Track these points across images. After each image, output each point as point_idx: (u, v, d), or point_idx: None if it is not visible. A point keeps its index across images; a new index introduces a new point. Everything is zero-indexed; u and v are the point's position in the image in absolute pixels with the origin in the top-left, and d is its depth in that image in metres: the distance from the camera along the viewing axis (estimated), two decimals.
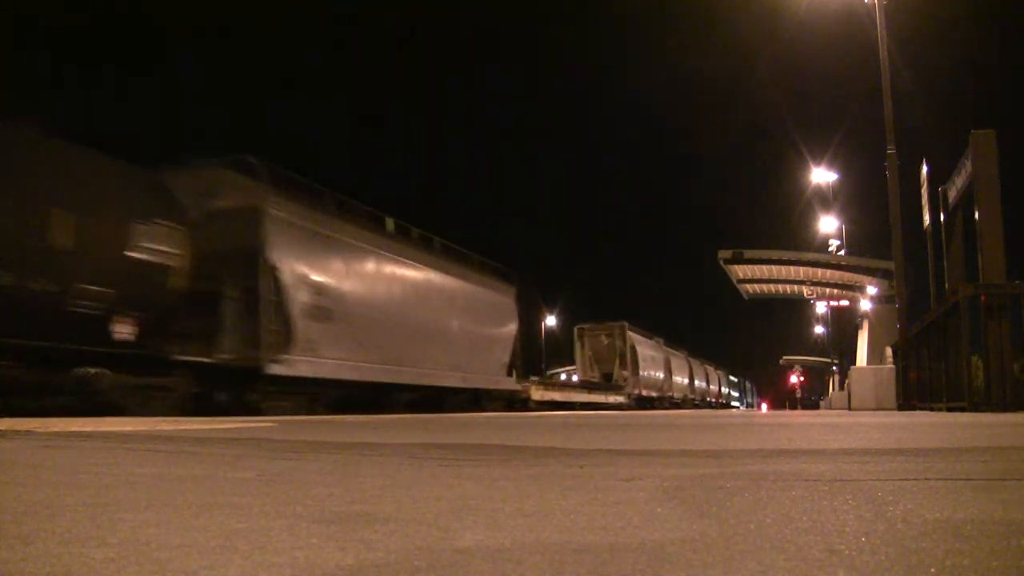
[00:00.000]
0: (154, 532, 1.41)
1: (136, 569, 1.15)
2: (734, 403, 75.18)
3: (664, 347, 42.81)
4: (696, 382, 51.21)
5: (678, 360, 46.49)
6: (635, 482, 2.18)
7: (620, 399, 33.50)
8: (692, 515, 1.59)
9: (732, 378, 77.72)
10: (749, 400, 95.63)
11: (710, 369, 59.86)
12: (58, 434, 4.43)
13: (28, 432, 4.53)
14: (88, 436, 4.31)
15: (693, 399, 49.46)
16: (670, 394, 42.51)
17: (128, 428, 5.32)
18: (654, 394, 39.14)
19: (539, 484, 2.16)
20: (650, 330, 50.78)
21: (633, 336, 36.43)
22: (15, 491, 2.01)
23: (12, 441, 3.82)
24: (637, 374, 35.78)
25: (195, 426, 5.94)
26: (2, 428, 4.93)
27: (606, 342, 35.66)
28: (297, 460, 3.07)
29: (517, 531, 1.42)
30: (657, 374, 40.17)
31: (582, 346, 35.92)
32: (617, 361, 35.27)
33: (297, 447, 3.73)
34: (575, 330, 36.49)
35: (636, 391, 35.50)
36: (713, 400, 58.41)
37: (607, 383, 34.55)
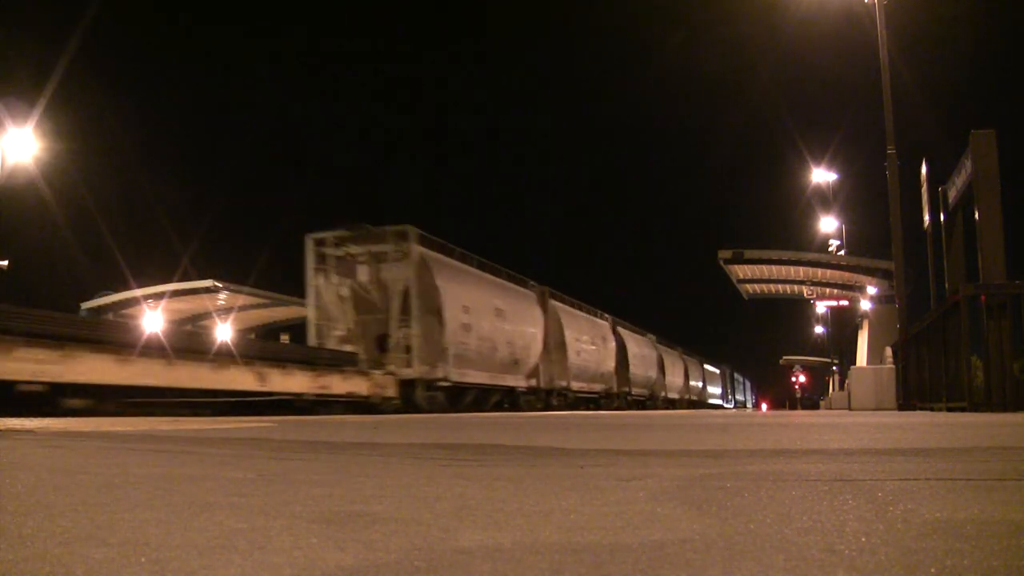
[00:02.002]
0: (154, 532, 1.41)
1: (136, 569, 1.15)
2: (714, 400, 57.96)
3: (549, 301, 24.77)
4: (635, 369, 33.49)
5: (588, 329, 28.16)
6: (635, 482, 2.18)
7: (360, 389, 15.36)
8: (692, 515, 1.59)
9: (711, 368, 58.53)
10: (741, 398, 78.13)
11: (672, 353, 42.76)
12: (58, 434, 4.43)
13: (28, 432, 4.53)
14: (88, 436, 4.31)
15: (629, 393, 32.71)
16: (564, 384, 24.97)
17: (128, 428, 5.32)
18: (516, 384, 21.50)
19: (539, 484, 2.16)
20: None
21: (431, 257, 17.78)
22: (15, 491, 2.01)
23: (12, 441, 3.82)
24: (441, 339, 17.37)
25: (195, 426, 5.94)
26: (2, 428, 4.94)
27: (372, 271, 17.35)
28: (297, 460, 3.07)
29: (517, 531, 1.42)
30: (521, 347, 21.61)
31: (327, 278, 17.59)
32: (396, 310, 16.95)
33: (297, 447, 3.73)
34: (307, 243, 17.70)
35: (439, 373, 17.23)
36: (678, 397, 42.76)
37: (324, 351, 16.20)
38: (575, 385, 26.06)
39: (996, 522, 1.49)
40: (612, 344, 30.89)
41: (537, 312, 23.81)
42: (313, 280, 17.82)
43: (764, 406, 69.00)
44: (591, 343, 28.27)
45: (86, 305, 30.47)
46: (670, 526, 1.47)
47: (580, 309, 28.57)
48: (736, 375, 75.25)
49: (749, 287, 37.00)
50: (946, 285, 16.73)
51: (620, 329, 32.94)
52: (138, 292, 29.91)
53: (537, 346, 23.31)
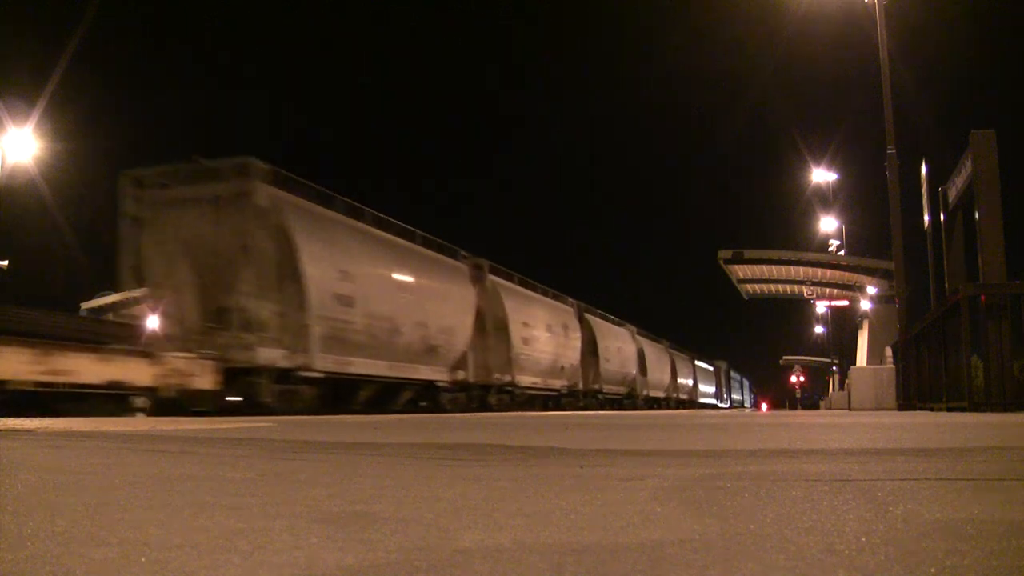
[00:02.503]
0: (154, 532, 1.41)
1: (136, 569, 1.15)
2: (707, 400, 53.39)
3: (488, 276, 20.15)
4: (608, 364, 28.90)
5: (543, 315, 23.33)
6: (635, 482, 2.18)
7: (135, 376, 10.97)
8: (692, 515, 1.59)
9: (703, 365, 53.55)
10: (738, 397, 74.34)
11: (656, 346, 38.14)
12: (58, 434, 4.43)
13: (28, 432, 4.52)
14: (88, 436, 4.31)
15: (600, 391, 28.15)
16: (508, 378, 20.45)
17: (128, 428, 5.32)
18: (436, 377, 17.24)
19: (539, 484, 2.16)
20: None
21: (286, 202, 13.49)
22: (15, 491, 2.01)
23: (12, 441, 3.82)
24: (302, 314, 13.09)
25: (195, 426, 5.94)
26: (2, 428, 4.93)
27: (209, 220, 12.94)
28: (297, 460, 3.07)
29: (517, 531, 1.42)
30: (440, 330, 17.21)
31: (149, 230, 13.21)
32: (237, 274, 12.57)
33: (297, 447, 3.73)
34: (120, 183, 13.39)
35: (300, 360, 13.02)
36: (663, 395, 38.21)
37: (51, 317, 12.04)
38: (523, 379, 21.45)
39: (996, 522, 1.49)
40: (577, 334, 26.01)
41: (467, 289, 19.10)
42: (130, 233, 13.13)
43: (764, 406, 68.92)
44: (547, 331, 23.26)
45: (86, 305, 30.43)
46: (670, 526, 1.47)
47: (534, 290, 23.85)
48: (733, 373, 71.14)
49: (749, 287, 37.02)
50: (946, 285, 16.73)
51: (589, 316, 27.95)
52: (139, 291, 29.59)
53: (465, 330, 18.51)
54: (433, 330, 17.06)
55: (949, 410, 12.75)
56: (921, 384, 16.44)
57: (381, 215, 16.62)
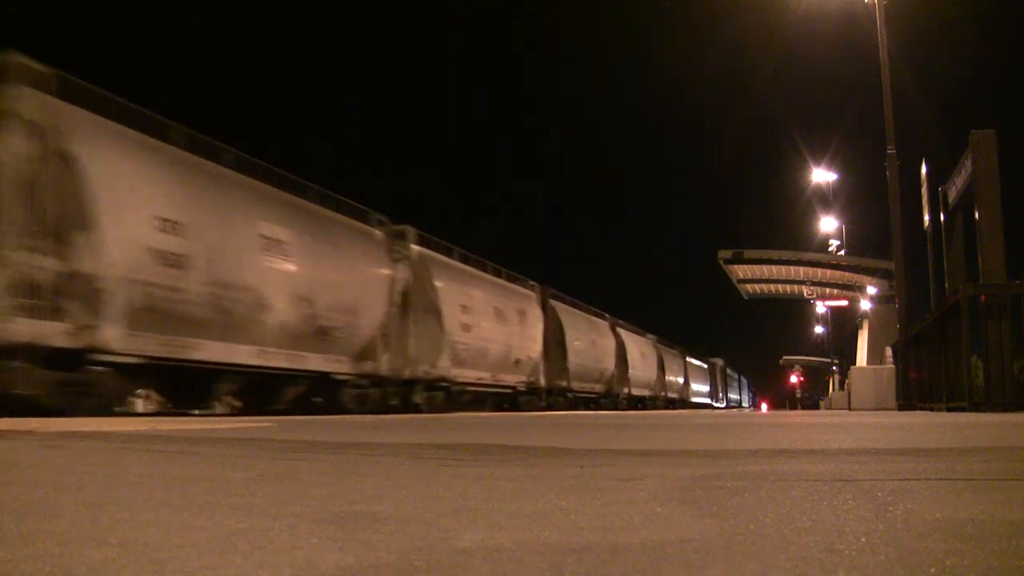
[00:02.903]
0: (154, 532, 1.41)
1: (136, 569, 1.14)
2: (700, 399, 50.59)
3: (412, 247, 16.64)
4: (579, 357, 25.32)
5: (490, 297, 19.70)
6: (635, 482, 2.18)
7: None
8: (692, 515, 1.59)
9: (696, 362, 50.67)
10: (736, 396, 72.81)
11: (641, 341, 35.27)
12: (58, 434, 4.43)
13: (28, 432, 4.52)
14: (88, 436, 4.31)
15: (569, 389, 24.54)
16: (441, 373, 16.96)
17: (128, 428, 5.32)
18: (333, 369, 13.91)
19: (539, 484, 2.16)
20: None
21: (54, 109, 9.09)
22: (15, 491, 2.01)
23: (12, 441, 3.82)
24: (97, 273, 9.22)
25: (195, 426, 5.95)
26: (2, 428, 4.93)
27: None
28: (297, 460, 3.07)
29: (517, 531, 1.42)
30: (332, 307, 13.65)
31: None
32: (2, 214, 8.53)
33: (297, 447, 3.73)
34: None
35: (86, 339, 9.02)
36: (649, 394, 35.19)
37: None
38: (462, 374, 17.81)
39: (996, 522, 1.49)
40: (540, 323, 22.41)
41: (381, 259, 15.57)
42: None
43: (764, 406, 69.00)
44: (496, 317, 19.48)
45: None
46: (670, 526, 1.47)
47: (483, 269, 20.21)
48: (730, 371, 67.99)
49: (749, 287, 37.02)
50: (946, 285, 16.73)
51: (554, 303, 24.21)
52: None
53: (374, 311, 14.92)
54: (324, 308, 13.39)
55: (949, 410, 12.75)
56: (921, 384, 16.44)
57: (254, 159, 12.55)
